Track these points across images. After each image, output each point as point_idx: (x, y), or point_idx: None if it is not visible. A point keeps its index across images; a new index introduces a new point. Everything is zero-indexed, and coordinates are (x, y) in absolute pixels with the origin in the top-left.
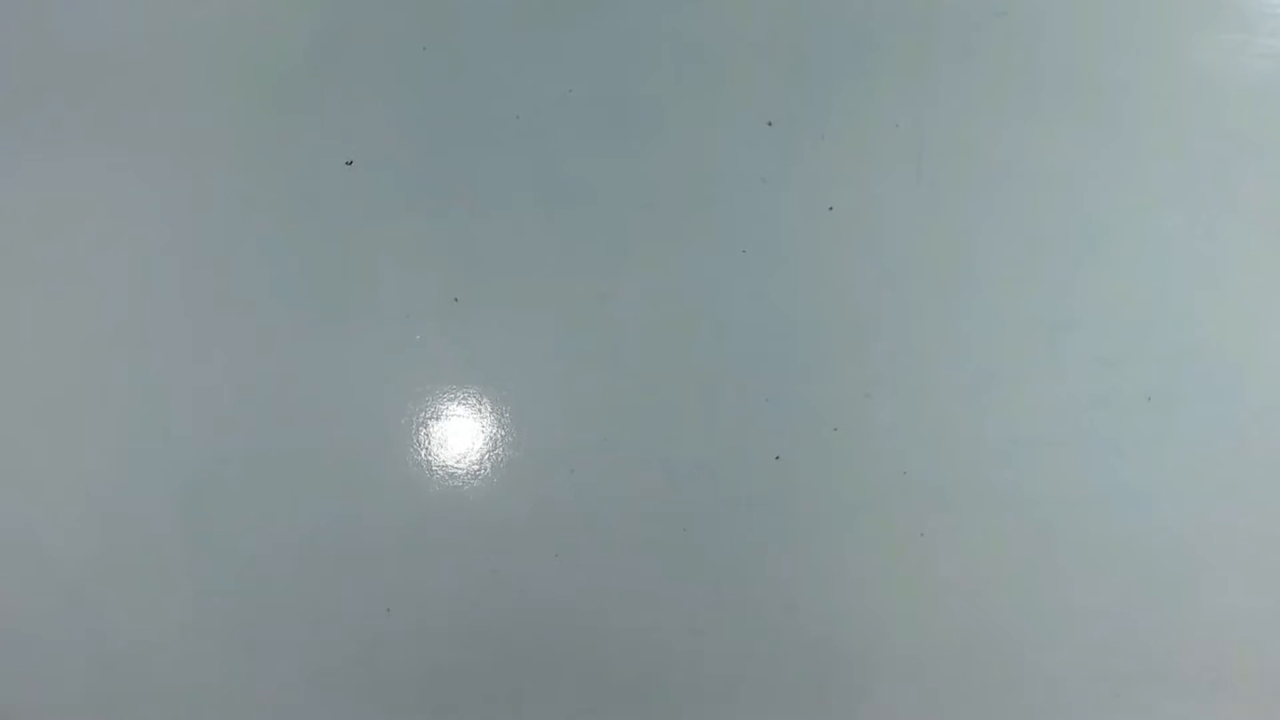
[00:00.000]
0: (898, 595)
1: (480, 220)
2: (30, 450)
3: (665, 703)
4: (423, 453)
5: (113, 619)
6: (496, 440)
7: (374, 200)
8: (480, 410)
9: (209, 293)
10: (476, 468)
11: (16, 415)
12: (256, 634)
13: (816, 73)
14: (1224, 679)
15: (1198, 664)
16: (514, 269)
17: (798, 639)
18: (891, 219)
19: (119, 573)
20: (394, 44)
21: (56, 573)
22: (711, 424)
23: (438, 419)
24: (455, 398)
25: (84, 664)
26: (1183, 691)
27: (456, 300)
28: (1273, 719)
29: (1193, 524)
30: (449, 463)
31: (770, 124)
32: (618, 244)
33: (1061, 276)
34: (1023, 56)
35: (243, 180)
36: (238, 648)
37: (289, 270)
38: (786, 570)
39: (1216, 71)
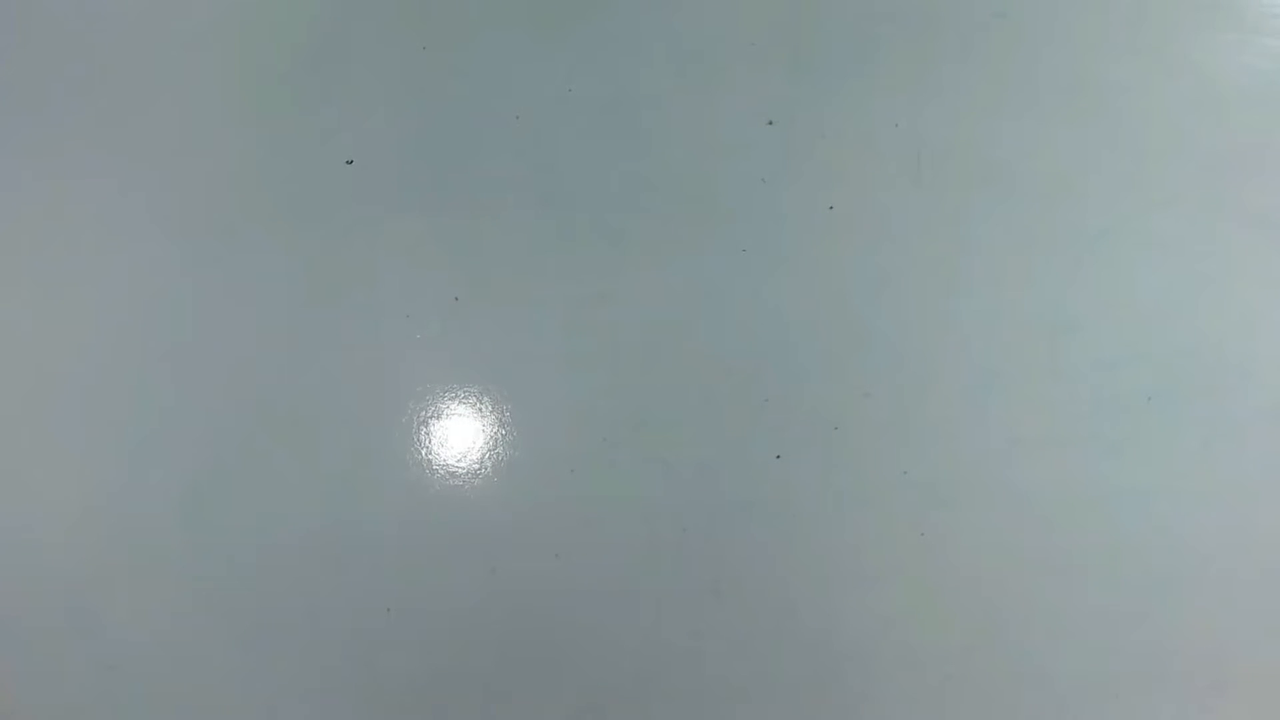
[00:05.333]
0: (897, 595)
1: (480, 220)
2: (30, 450)
3: (665, 703)
4: (423, 452)
5: (113, 619)
6: (496, 440)
7: (374, 200)
8: (480, 410)
9: (209, 293)
10: (476, 468)
11: (17, 415)
12: (256, 634)
13: (816, 73)
14: (1224, 679)
15: (1198, 664)
16: (514, 269)
17: (798, 639)
18: (891, 219)
19: (119, 573)
20: (394, 44)
21: (56, 573)
22: (711, 424)
23: (438, 418)
24: (455, 397)
25: (84, 664)
26: (1183, 692)
27: (457, 299)
28: (1273, 719)
29: (1193, 524)
30: (449, 462)
31: (770, 124)
32: (618, 244)
33: (1061, 276)
34: (1022, 56)
35: (243, 180)
36: (238, 647)
37: (289, 270)
38: (786, 570)
39: (1216, 72)
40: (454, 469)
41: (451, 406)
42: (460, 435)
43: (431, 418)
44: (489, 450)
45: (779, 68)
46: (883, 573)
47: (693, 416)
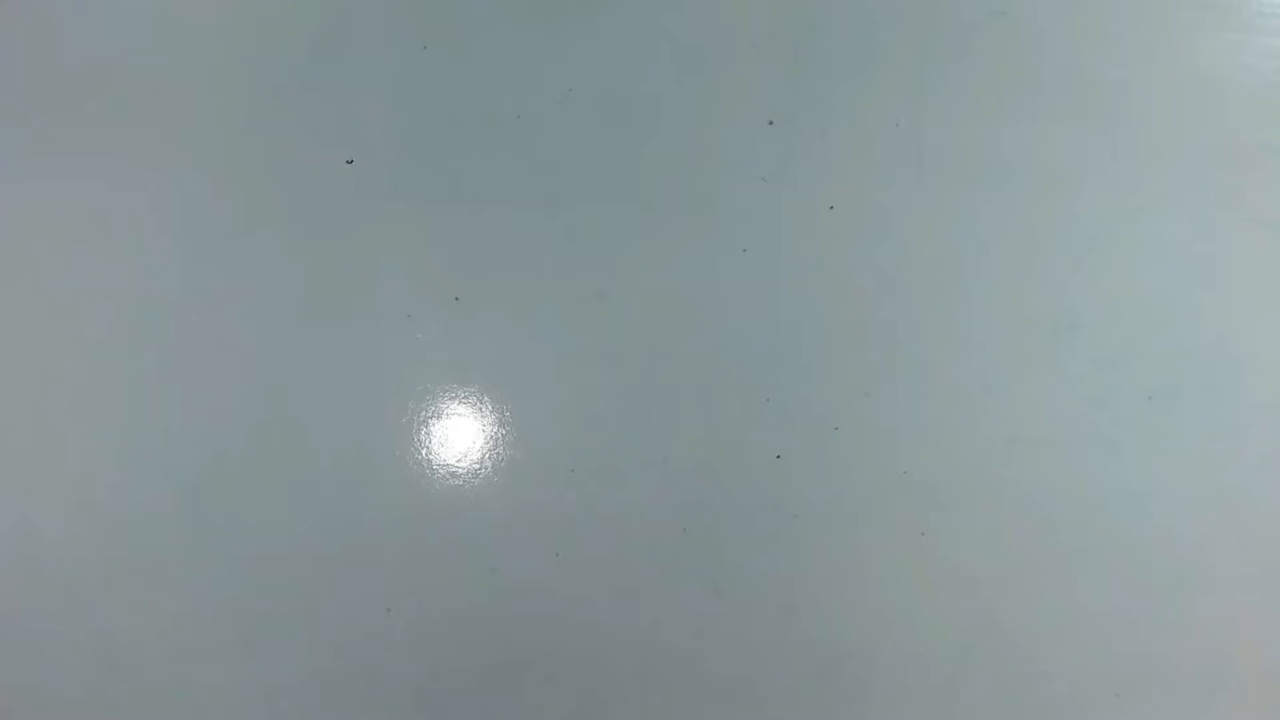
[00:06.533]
0: (898, 595)
1: (481, 220)
2: (31, 450)
3: (666, 702)
4: (423, 452)
5: (113, 618)
6: (496, 440)
7: (374, 200)
8: (480, 410)
9: (210, 293)
10: (476, 467)
11: (18, 414)
12: (256, 633)
13: (816, 73)
14: (1224, 679)
15: (1198, 664)
16: (514, 269)
17: (798, 639)
18: (891, 218)
19: (119, 572)
20: (394, 44)
21: (56, 572)
22: (711, 424)
23: (438, 418)
24: (456, 397)
25: (84, 664)
26: (1183, 691)
27: (457, 299)
28: (1273, 719)
29: (1192, 524)
30: (449, 462)
31: (770, 123)
32: (618, 244)
33: (1061, 276)
34: (1023, 56)
35: (243, 180)
36: (238, 647)
37: (289, 270)
38: (786, 570)
39: (1216, 71)
40: (454, 469)
41: (451, 406)
42: (460, 435)
43: (431, 418)
44: (489, 450)
45: (779, 68)
46: (883, 573)
47: (693, 416)
